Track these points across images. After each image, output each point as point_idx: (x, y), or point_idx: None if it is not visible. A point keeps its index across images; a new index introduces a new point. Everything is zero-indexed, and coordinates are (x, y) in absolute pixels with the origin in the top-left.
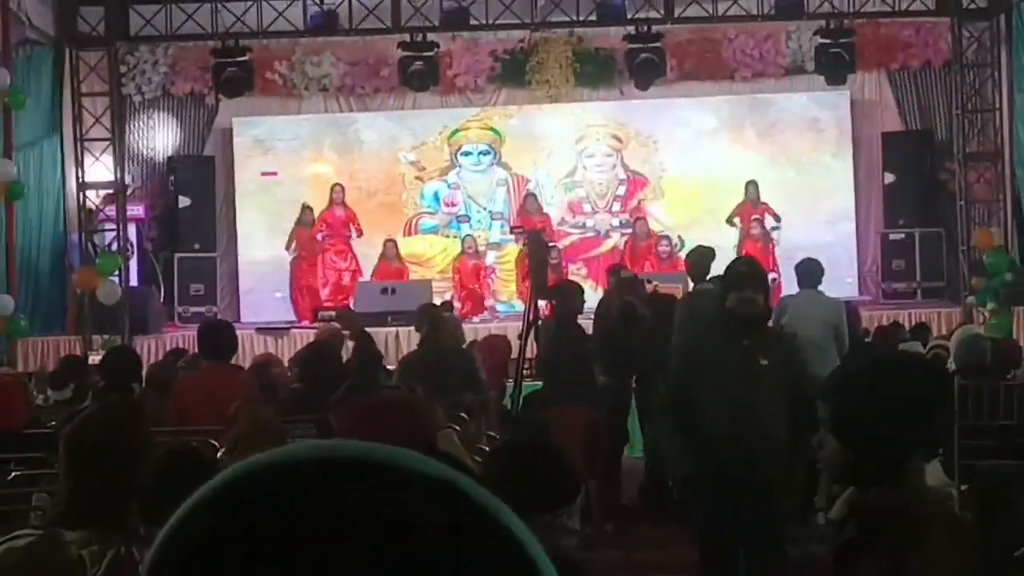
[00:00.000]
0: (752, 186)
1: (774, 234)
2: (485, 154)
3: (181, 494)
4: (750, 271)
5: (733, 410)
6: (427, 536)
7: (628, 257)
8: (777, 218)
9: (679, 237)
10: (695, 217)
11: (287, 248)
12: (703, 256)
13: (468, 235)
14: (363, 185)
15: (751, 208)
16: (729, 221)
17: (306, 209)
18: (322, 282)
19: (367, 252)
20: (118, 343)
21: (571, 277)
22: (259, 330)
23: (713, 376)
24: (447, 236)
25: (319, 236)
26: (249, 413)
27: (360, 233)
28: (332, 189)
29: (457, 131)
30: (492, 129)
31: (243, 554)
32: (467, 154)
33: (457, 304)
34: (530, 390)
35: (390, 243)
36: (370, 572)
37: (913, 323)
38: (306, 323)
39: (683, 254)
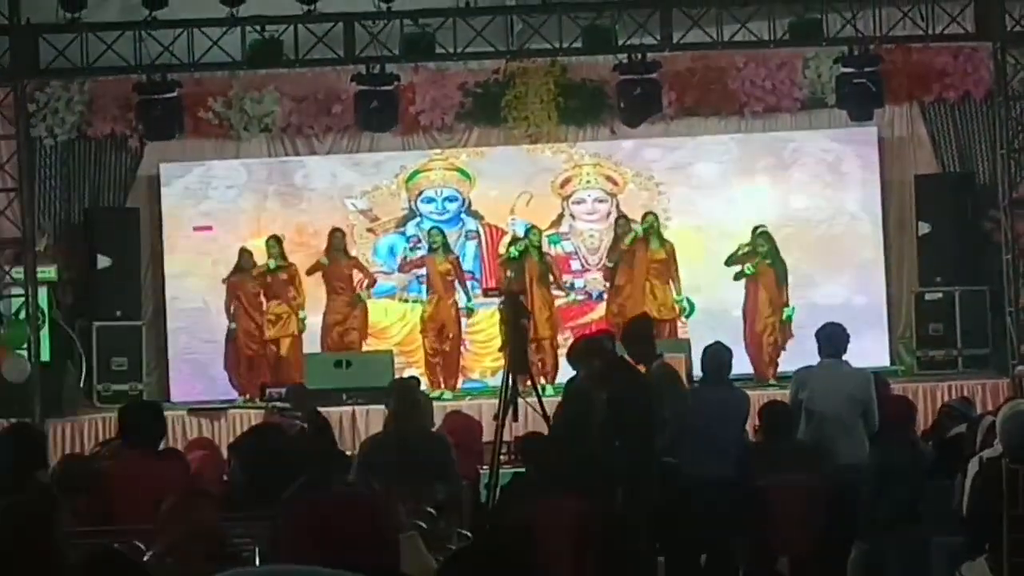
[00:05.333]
0: (763, 237)
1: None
2: (451, 200)
3: None
4: None
5: None
6: None
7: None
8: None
9: (686, 299)
10: (702, 275)
11: (227, 310)
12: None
13: (434, 227)
14: (310, 240)
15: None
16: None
17: (245, 253)
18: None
19: (315, 321)
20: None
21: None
22: (192, 411)
23: None
24: (406, 301)
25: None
26: (183, 512)
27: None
28: (268, 244)
29: (417, 173)
30: (459, 170)
31: None
32: (429, 200)
33: (424, 378)
34: (509, 477)
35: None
36: None
37: (953, 398)
38: (244, 397)
39: (690, 320)
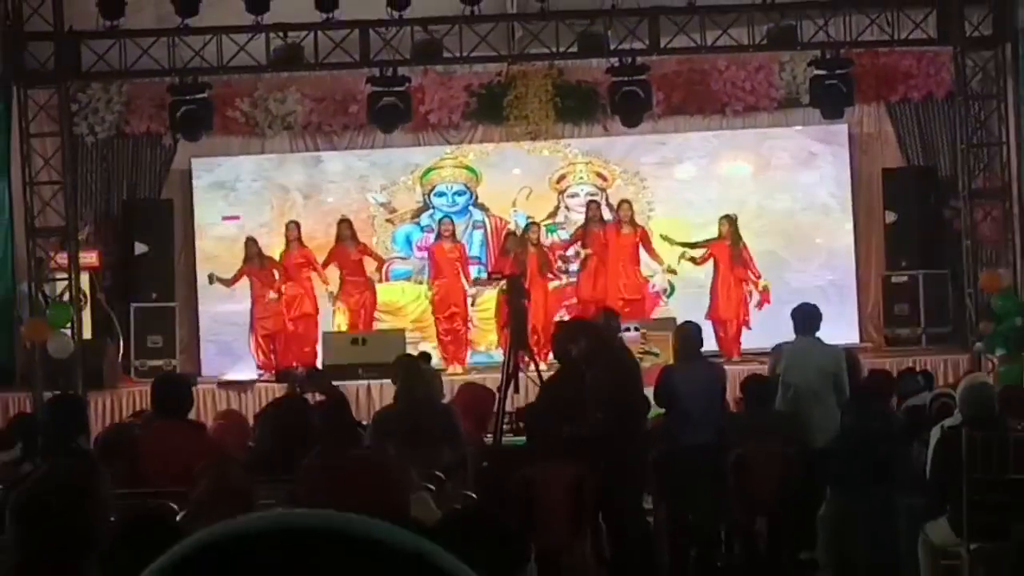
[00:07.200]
0: (723, 220)
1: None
2: (460, 194)
3: (142, 562)
4: None
5: None
6: None
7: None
8: (757, 278)
9: (668, 282)
10: (685, 261)
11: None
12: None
13: (445, 216)
14: (332, 229)
15: (727, 249)
16: (693, 259)
17: (250, 242)
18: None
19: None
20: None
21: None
22: (221, 384)
23: None
24: (420, 283)
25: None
26: (213, 475)
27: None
28: (287, 228)
29: (430, 170)
30: (467, 168)
31: None
32: (441, 194)
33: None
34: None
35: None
36: None
37: (917, 371)
38: (269, 373)
39: (671, 300)
